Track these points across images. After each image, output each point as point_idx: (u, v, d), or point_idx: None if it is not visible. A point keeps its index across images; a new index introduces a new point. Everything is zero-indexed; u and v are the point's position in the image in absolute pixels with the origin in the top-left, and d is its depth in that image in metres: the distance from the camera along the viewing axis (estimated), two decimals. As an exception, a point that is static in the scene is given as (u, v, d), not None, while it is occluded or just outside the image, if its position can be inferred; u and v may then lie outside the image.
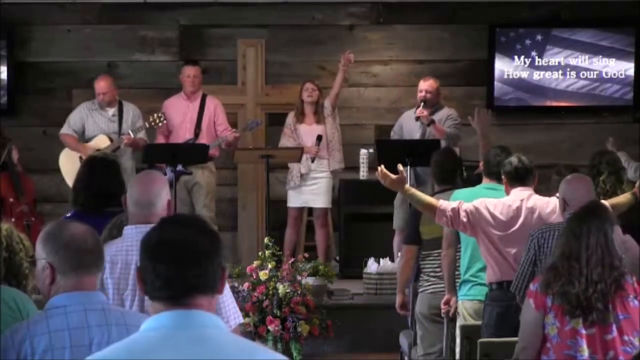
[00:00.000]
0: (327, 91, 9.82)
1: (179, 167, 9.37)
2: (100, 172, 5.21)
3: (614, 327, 4.37)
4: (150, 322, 2.52)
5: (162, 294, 2.51)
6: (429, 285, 6.74)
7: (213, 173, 9.68)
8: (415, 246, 6.88)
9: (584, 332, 4.36)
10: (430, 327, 6.73)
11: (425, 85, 9.32)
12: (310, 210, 9.89)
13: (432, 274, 6.72)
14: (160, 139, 9.65)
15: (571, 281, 4.35)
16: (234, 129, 9.59)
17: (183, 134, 9.59)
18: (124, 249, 4.16)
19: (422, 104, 9.25)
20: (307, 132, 9.64)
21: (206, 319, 2.49)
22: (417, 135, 9.36)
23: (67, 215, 5.27)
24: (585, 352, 4.36)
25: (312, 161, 9.53)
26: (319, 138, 9.47)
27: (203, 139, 9.56)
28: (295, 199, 9.73)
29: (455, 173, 6.86)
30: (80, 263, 3.25)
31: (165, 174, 9.24)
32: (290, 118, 9.75)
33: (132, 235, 4.19)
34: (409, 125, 9.44)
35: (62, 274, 3.24)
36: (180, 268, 2.50)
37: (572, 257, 4.40)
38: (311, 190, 9.69)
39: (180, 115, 9.66)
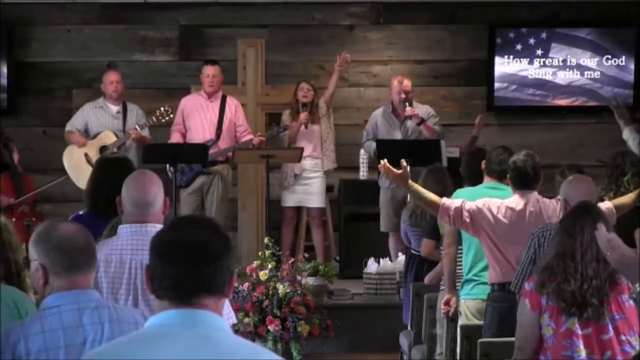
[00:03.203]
0: (324, 91, 9.85)
1: (198, 167, 9.39)
2: (111, 173, 5.22)
3: (610, 327, 4.38)
4: (155, 319, 2.53)
5: (168, 293, 2.52)
6: None
7: (229, 180, 9.69)
8: (433, 240, 6.89)
9: (580, 332, 4.37)
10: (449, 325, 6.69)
11: (403, 87, 9.38)
12: (307, 211, 9.89)
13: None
14: (177, 137, 9.59)
15: (567, 279, 4.37)
16: (259, 133, 9.59)
17: (203, 134, 9.56)
18: (119, 248, 4.15)
19: (407, 103, 9.30)
20: (302, 132, 9.65)
21: (211, 320, 2.50)
22: (398, 135, 9.39)
23: (80, 213, 5.28)
24: (583, 353, 4.36)
25: (306, 127, 9.56)
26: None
27: (223, 140, 9.55)
28: (289, 199, 9.76)
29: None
30: (72, 263, 3.24)
31: (192, 170, 9.35)
32: (286, 116, 9.77)
33: (127, 235, 4.19)
34: (384, 125, 9.47)
35: (54, 274, 3.24)
36: (188, 268, 2.51)
37: (566, 255, 4.41)
38: (305, 190, 9.72)
39: (200, 115, 9.61)
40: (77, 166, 9.44)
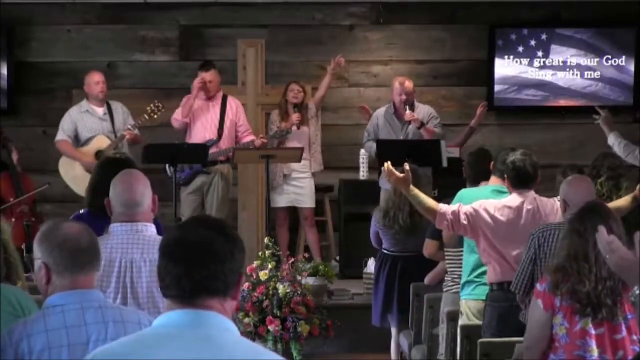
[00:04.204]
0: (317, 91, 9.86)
1: (197, 166, 9.39)
2: (112, 172, 5.24)
3: (624, 327, 4.39)
4: (161, 318, 2.54)
5: (171, 292, 2.53)
6: (453, 285, 6.70)
7: (229, 180, 9.69)
8: (436, 241, 6.88)
9: (593, 332, 4.37)
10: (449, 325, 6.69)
11: (405, 88, 9.36)
12: (299, 212, 9.88)
13: (457, 272, 6.65)
14: (177, 115, 9.58)
15: (581, 280, 4.37)
16: (262, 135, 9.59)
17: (205, 134, 9.56)
18: (109, 247, 4.16)
19: (408, 107, 9.28)
20: (292, 133, 9.63)
21: (215, 321, 2.50)
22: (400, 135, 9.38)
23: (80, 212, 5.30)
24: (595, 352, 4.37)
25: (298, 128, 9.55)
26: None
27: (225, 140, 9.56)
28: (279, 200, 9.75)
29: (488, 174, 6.77)
30: (75, 263, 3.26)
31: (191, 169, 9.38)
32: (275, 116, 9.77)
33: (118, 233, 4.22)
34: (386, 125, 9.46)
35: (57, 273, 3.26)
36: (188, 268, 2.52)
37: (579, 256, 4.41)
38: (295, 191, 9.72)
39: (202, 115, 9.62)
40: (75, 175, 9.41)
